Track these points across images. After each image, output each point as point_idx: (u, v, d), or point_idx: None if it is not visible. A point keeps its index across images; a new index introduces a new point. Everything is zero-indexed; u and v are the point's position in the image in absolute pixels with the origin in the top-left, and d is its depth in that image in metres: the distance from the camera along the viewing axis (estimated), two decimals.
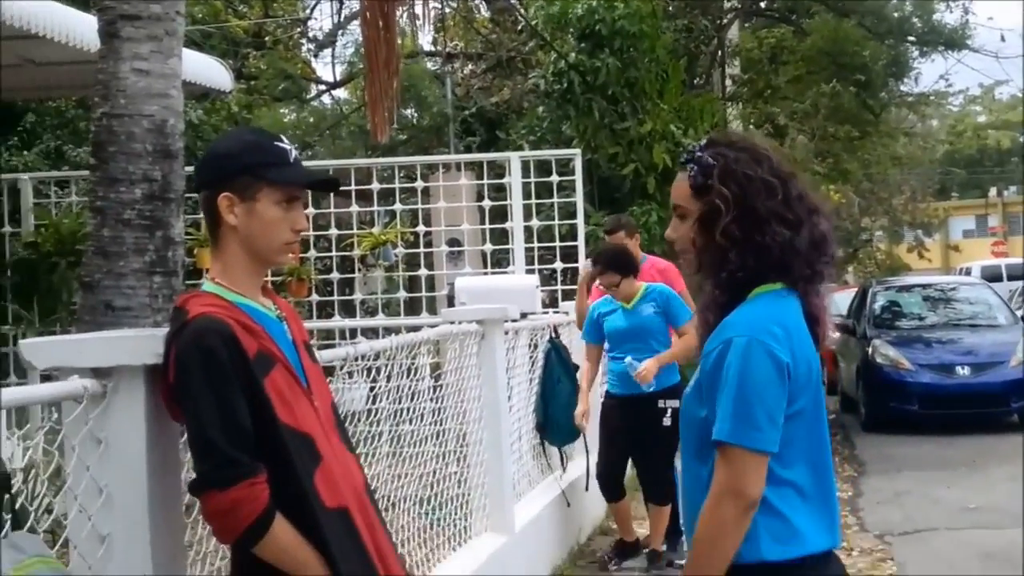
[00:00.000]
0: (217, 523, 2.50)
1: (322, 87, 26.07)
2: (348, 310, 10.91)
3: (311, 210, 10.15)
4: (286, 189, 2.65)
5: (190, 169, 3.04)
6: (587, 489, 7.60)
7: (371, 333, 9.88)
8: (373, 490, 2.94)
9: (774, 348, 2.45)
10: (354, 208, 10.60)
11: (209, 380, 2.47)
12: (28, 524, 2.40)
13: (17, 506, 2.40)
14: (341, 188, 10.22)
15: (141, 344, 2.68)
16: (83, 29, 7.52)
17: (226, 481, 2.44)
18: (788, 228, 2.53)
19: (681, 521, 6.69)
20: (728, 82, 19.58)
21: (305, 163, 2.88)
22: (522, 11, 18.12)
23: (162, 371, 2.60)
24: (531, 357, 7.73)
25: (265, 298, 2.73)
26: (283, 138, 2.73)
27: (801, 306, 2.58)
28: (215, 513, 2.48)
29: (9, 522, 2.36)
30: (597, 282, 7.26)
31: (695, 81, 17.25)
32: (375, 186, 10.41)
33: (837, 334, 13.67)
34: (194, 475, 2.52)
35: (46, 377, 2.82)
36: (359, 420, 4.71)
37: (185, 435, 2.67)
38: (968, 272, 27.99)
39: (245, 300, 2.64)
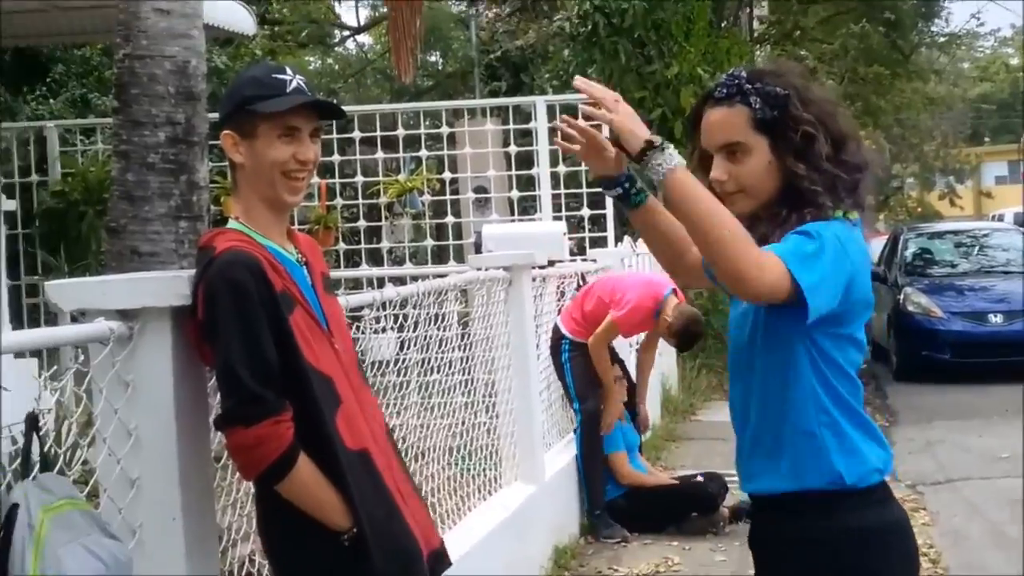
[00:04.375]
0: (241, 459, 2.49)
1: (346, 32, 25.91)
2: (375, 259, 10.87)
3: (336, 157, 10.09)
4: (282, 120, 2.56)
5: (214, 116, 2.97)
6: None
7: (399, 282, 9.83)
8: (392, 433, 2.91)
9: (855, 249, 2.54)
10: (380, 155, 10.53)
11: (237, 314, 2.44)
12: (57, 467, 2.37)
13: (47, 448, 2.36)
14: (366, 135, 10.29)
15: (166, 285, 2.64)
16: None
17: (251, 418, 2.42)
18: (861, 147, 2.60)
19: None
20: (756, 23, 19.31)
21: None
22: None
23: (191, 310, 2.57)
24: (559, 304, 7.67)
25: (288, 242, 2.69)
26: (287, 69, 2.64)
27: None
28: (239, 449, 2.47)
29: (38, 464, 2.33)
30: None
31: (722, 23, 16.99)
32: (400, 132, 10.32)
33: None
34: (220, 411, 2.50)
35: (75, 321, 2.79)
36: (387, 369, 4.67)
37: (213, 377, 2.64)
38: (1001, 219, 27.66)
39: (268, 241, 2.60)
